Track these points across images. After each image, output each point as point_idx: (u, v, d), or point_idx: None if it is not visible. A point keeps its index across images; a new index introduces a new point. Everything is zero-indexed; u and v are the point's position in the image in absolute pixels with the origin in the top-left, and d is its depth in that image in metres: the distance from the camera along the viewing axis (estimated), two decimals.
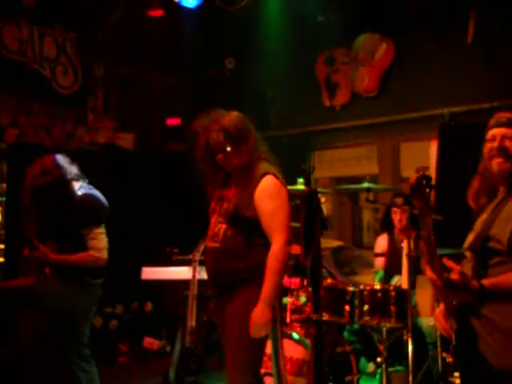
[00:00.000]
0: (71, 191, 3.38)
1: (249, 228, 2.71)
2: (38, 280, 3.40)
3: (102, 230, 3.38)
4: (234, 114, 2.84)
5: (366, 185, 3.86)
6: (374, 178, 4.15)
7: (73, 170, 3.45)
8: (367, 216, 7.80)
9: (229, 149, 2.74)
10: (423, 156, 5.51)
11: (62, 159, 3.44)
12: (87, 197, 3.40)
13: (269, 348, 3.48)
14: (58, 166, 3.37)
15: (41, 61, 5.33)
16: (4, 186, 6.88)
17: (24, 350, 5.12)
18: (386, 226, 4.72)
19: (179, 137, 6.15)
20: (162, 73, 6.31)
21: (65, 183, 3.37)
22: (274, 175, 2.75)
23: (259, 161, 2.80)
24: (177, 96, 6.46)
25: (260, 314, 2.61)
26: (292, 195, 4.33)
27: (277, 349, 2.80)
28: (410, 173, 6.20)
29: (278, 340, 2.79)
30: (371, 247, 5.69)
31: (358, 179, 4.50)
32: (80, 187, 3.43)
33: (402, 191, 5.01)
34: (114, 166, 5.81)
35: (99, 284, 3.44)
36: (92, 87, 5.82)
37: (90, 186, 3.50)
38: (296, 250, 4.14)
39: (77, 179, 3.44)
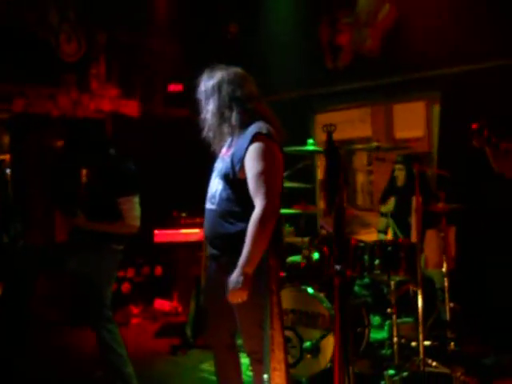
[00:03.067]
0: (108, 158, 3.46)
1: (243, 191, 2.59)
2: (70, 244, 3.48)
3: (136, 199, 3.43)
4: (231, 71, 2.76)
5: (375, 144, 3.95)
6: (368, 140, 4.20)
7: (108, 137, 3.53)
8: (361, 179, 7.92)
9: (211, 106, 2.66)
10: (415, 117, 5.58)
11: (99, 125, 3.51)
12: (123, 165, 3.47)
13: (286, 304, 3.61)
14: (97, 132, 3.47)
15: (45, 28, 5.31)
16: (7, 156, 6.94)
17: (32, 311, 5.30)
18: (392, 189, 4.84)
19: (182, 103, 6.19)
20: (165, 39, 6.29)
21: (103, 149, 3.45)
22: (267, 135, 2.59)
23: (255, 119, 2.68)
24: (179, 62, 6.46)
25: (235, 280, 2.50)
26: (299, 156, 4.46)
27: (269, 320, 2.64)
28: (403, 134, 6.30)
29: (270, 310, 2.64)
30: (365, 209, 5.85)
31: (353, 142, 4.53)
32: (115, 157, 3.51)
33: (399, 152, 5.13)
34: (119, 133, 5.86)
35: (121, 250, 3.54)
36: (95, 54, 5.81)
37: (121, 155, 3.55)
38: (307, 209, 4.30)
39: (111, 147, 3.51)
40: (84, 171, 3.60)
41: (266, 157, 2.56)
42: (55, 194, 3.49)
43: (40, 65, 5.36)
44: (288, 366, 2.69)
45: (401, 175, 4.65)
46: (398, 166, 4.70)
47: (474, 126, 2.04)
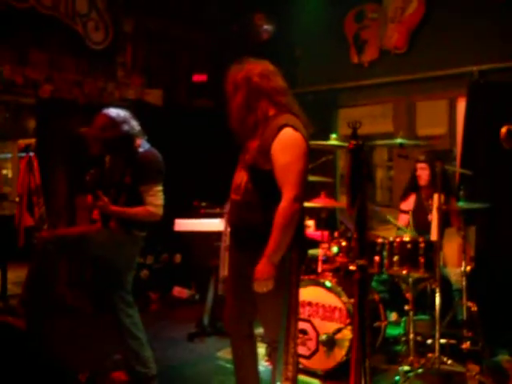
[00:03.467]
0: (135, 147, 3.48)
1: (268, 182, 2.62)
2: (101, 230, 3.52)
3: (160, 187, 3.47)
4: (260, 64, 2.78)
5: (399, 140, 3.94)
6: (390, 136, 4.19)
7: (136, 125, 3.53)
8: (381, 174, 7.91)
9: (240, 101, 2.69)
10: (439, 114, 5.55)
11: (127, 114, 3.52)
12: (150, 154, 3.49)
13: (303, 296, 3.64)
14: (125, 121, 3.46)
15: (73, 16, 5.38)
16: (33, 140, 7.05)
17: (58, 299, 5.42)
18: (413, 187, 4.83)
19: (205, 93, 6.23)
20: (190, 28, 6.30)
21: (131, 138, 3.46)
22: (293, 127, 2.62)
23: (282, 112, 2.71)
24: (204, 52, 6.49)
25: (261, 269, 2.57)
26: (322, 151, 4.48)
27: (287, 311, 2.69)
28: (425, 131, 6.28)
29: (288, 302, 2.69)
30: (384, 205, 5.83)
31: (380, 137, 4.54)
32: (142, 144, 3.52)
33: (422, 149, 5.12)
34: (142, 122, 5.91)
35: (143, 236, 3.57)
36: (121, 43, 5.86)
37: (149, 144, 3.57)
38: (328, 203, 4.32)
39: (139, 135, 3.52)
40: (108, 157, 3.64)
41: (292, 148, 2.60)
42: (79, 179, 3.52)
43: (68, 52, 5.43)
44: (298, 359, 2.74)
45: (424, 174, 4.61)
46: (420, 166, 4.67)
47: (504, 129, 2.05)
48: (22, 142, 9.33)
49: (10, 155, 10.69)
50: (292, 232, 2.60)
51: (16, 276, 5.78)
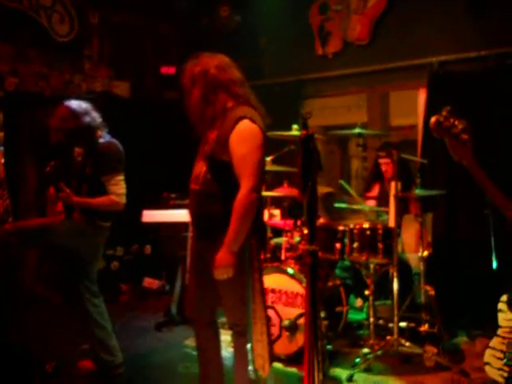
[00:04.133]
0: (96, 138, 3.54)
1: (227, 172, 2.69)
2: (64, 221, 3.55)
3: (122, 176, 3.53)
4: (216, 57, 2.84)
5: (357, 130, 4.04)
6: (363, 127, 4.31)
7: (97, 117, 3.59)
8: (356, 165, 8.03)
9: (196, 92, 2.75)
10: (412, 104, 5.59)
11: (89, 106, 3.57)
12: (110, 144, 3.55)
13: (266, 283, 3.73)
14: (87, 112, 3.51)
15: (37, 9, 5.36)
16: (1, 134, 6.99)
17: (27, 290, 5.43)
18: (376, 176, 4.94)
19: (174, 85, 6.24)
20: (157, 21, 6.33)
21: (92, 129, 3.52)
22: (251, 119, 2.69)
23: (240, 104, 2.78)
24: (171, 44, 6.51)
25: (221, 257, 2.65)
26: (286, 141, 4.56)
27: (250, 295, 2.80)
28: (398, 121, 6.42)
29: (251, 287, 2.80)
30: (359, 195, 5.92)
31: (348, 128, 4.66)
32: (103, 135, 3.58)
33: (390, 139, 5.23)
34: (110, 114, 5.92)
35: (107, 226, 3.62)
36: (88, 35, 5.86)
37: (109, 135, 3.62)
38: (291, 192, 4.41)
39: (100, 127, 3.59)
40: (77, 150, 3.67)
41: (249, 140, 2.68)
42: (48, 171, 3.55)
43: (33, 45, 5.41)
44: (270, 338, 2.84)
45: (389, 168, 4.71)
46: (383, 161, 4.78)
47: (433, 118, 2.15)
48: None
49: None
50: (250, 221, 2.70)
51: None
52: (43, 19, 5.43)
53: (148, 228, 5.76)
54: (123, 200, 3.52)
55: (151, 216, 5.03)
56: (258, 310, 2.82)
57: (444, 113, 2.14)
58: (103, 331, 3.62)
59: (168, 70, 6.36)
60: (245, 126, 2.69)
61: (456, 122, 2.16)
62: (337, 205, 4.43)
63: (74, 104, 3.53)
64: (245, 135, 2.68)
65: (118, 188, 3.49)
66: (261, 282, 2.84)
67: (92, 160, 3.50)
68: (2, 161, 5.49)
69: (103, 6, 5.95)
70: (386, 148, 4.64)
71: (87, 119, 3.50)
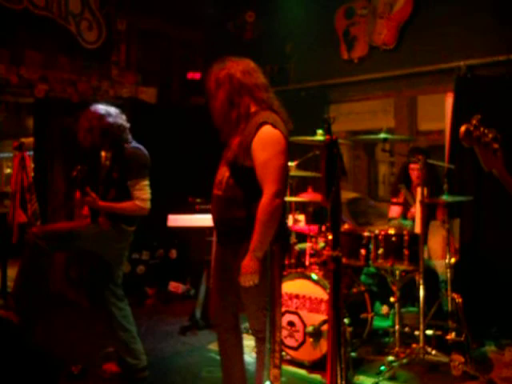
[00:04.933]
0: (126, 141, 3.59)
1: (249, 178, 2.68)
2: (90, 225, 3.59)
3: (147, 182, 3.56)
4: (242, 62, 2.85)
5: (382, 135, 4.00)
6: (390, 132, 4.26)
7: (124, 123, 3.64)
8: (383, 170, 7.97)
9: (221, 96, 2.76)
10: (440, 109, 5.52)
11: (116, 110, 3.64)
12: (135, 150, 3.59)
13: (284, 289, 3.71)
14: (115, 116, 3.58)
15: (66, 16, 5.46)
16: (31, 139, 7.13)
17: (54, 293, 5.51)
18: (404, 181, 4.88)
19: (200, 91, 6.30)
20: (183, 27, 6.39)
21: (124, 131, 3.58)
22: (272, 124, 2.69)
23: (262, 110, 2.77)
24: (197, 50, 6.57)
25: (247, 264, 2.65)
26: (311, 146, 4.55)
27: (271, 301, 2.77)
28: (426, 126, 6.34)
29: (271, 295, 2.76)
30: (386, 200, 5.86)
31: (374, 133, 4.63)
32: (130, 140, 3.63)
33: (418, 144, 5.17)
34: (137, 120, 5.99)
35: (132, 231, 3.66)
36: (115, 42, 5.93)
37: (135, 141, 3.66)
38: (315, 197, 4.39)
39: (127, 132, 3.64)
40: (104, 154, 3.72)
41: (271, 145, 2.67)
42: (74, 175, 3.60)
43: (61, 52, 5.51)
44: (281, 348, 2.82)
45: (414, 168, 4.65)
46: (412, 159, 4.72)
47: (463, 127, 2.10)
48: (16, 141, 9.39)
49: (11, 154, 10.76)
50: (275, 227, 2.68)
51: (15, 273, 5.86)
52: (72, 26, 5.53)
53: (173, 232, 5.81)
54: (148, 205, 3.55)
55: (177, 220, 5.07)
56: (276, 319, 2.80)
57: (474, 121, 2.09)
58: (128, 334, 3.65)
59: (194, 75, 6.43)
60: (267, 131, 2.68)
61: (486, 131, 2.10)
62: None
63: (103, 106, 3.61)
64: (267, 141, 2.68)
65: (143, 193, 3.52)
66: (279, 291, 2.82)
67: (119, 164, 3.54)
68: (32, 166, 5.60)
69: (130, 13, 6.03)
70: (416, 152, 4.58)
71: (119, 120, 3.57)
